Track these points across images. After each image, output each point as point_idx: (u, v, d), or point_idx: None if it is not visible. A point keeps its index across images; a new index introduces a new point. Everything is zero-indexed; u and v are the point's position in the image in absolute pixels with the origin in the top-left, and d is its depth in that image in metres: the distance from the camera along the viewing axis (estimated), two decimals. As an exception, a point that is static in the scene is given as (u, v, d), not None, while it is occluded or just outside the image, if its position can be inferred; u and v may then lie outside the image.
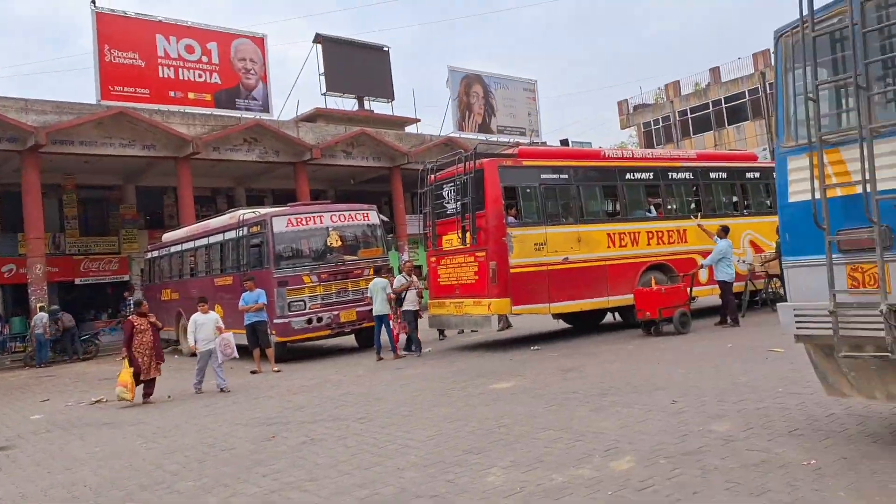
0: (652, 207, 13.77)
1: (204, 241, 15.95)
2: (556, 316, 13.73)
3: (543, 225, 11.96)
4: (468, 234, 11.81)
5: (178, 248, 17.27)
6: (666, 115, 43.29)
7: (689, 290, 12.17)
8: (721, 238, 12.48)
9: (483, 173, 11.75)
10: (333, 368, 11.71)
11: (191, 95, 25.91)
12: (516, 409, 6.85)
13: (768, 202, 15.24)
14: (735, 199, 14.83)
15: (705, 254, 13.10)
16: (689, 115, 41.53)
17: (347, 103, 35.13)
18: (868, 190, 4.15)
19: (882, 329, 4.17)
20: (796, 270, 4.77)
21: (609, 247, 12.61)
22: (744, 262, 13.92)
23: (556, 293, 11.87)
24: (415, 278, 12.42)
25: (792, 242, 4.82)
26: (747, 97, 38.21)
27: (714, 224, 13.14)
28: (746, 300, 13.73)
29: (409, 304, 12.21)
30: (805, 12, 4.41)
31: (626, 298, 12.56)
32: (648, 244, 13.10)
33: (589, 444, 5.34)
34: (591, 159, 13.09)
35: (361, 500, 4.61)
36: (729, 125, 39.11)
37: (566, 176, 12.45)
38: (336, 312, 13.27)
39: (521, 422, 6.30)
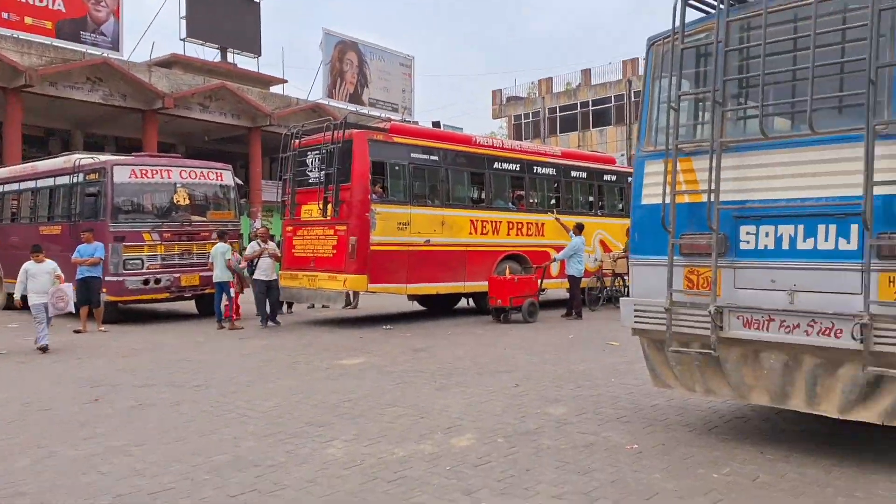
0: (514, 199, 14.31)
1: (31, 185, 14.62)
2: (412, 297, 13.95)
3: (409, 205, 12.08)
4: (330, 206, 11.70)
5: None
6: (537, 110, 44.99)
7: (540, 281, 12.80)
8: (576, 235, 13.24)
9: (352, 145, 11.67)
10: (171, 334, 11.22)
11: (28, 20, 23.50)
12: (363, 385, 6.96)
13: (620, 205, 16.33)
14: (591, 198, 15.75)
15: (559, 248, 13.85)
16: (559, 114, 43.44)
17: (209, 53, 33.42)
18: (712, 199, 4.60)
19: (708, 328, 4.67)
20: (640, 268, 5.21)
21: (471, 233, 12.96)
22: (597, 259, 14.85)
23: (415, 274, 12.06)
24: (271, 245, 11.98)
25: (639, 241, 5.25)
26: (613, 102, 40.59)
27: (570, 220, 13.91)
28: (597, 296, 14.68)
29: (261, 272, 11.83)
30: (677, 24, 4.80)
31: (482, 285, 12.99)
32: (508, 234, 13.62)
33: (432, 420, 5.54)
34: (462, 144, 13.37)
35: (194, 466, 4.51)
36: (594, 128, 41.38)
37: (436, 158, 12.64)
38: (177, 275, 12.70)
39: (367, 397, 6.40)
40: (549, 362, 8.17)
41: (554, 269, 13.40)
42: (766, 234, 4.52)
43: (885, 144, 3.92)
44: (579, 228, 13.33)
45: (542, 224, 14.19)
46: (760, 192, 4.55)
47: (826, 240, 4.22)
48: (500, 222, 13.49)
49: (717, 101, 4.64)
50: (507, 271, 12.74)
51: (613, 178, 16.11)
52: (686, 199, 4.94)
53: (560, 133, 43.29)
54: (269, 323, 11.85)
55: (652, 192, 5.17)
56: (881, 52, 3.95)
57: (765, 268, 4.51)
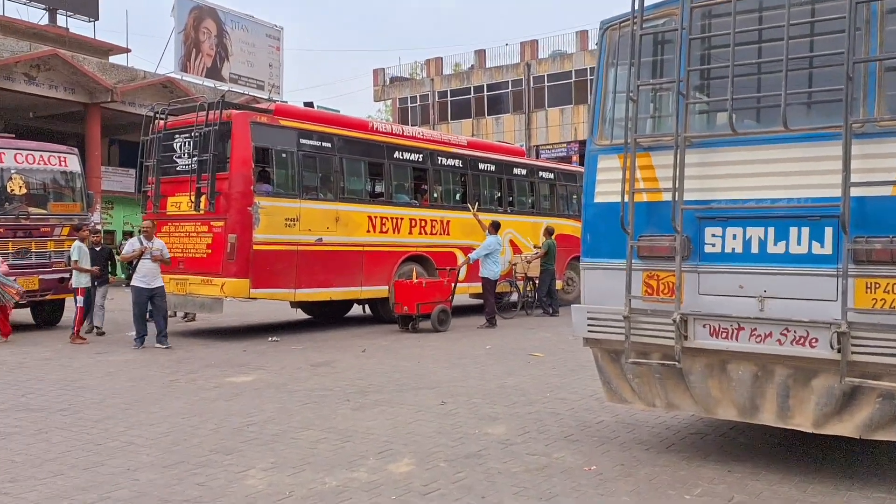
0: (417, 194, 14.38)
1: None
2: (296, 305, 13.69)
3: (298, 198, 11.87)
4: (204, 199, 11.30)
5: None
6: (425, 93, 45.30)
7: (452, 285, 12.97)
8: (491, 233, 13.44)
9: (231, 127, 11.32)
10: (5, 350, 10.38)
11: None
12: (265, 406, 6.76)
13: (531, 201, 16.78)
14: (500, 194, 16.10)
15: (467, 249, 14.03)
16: (450, 98, 43.94)
17: (34, 14, 31.28)
18: (675, 198, 4.80)
19: (671, 338, 4.86)
20: (594, 273, 5.35)
21: (369, 231, 12.92)
22: (514, 263, 15.20)
23: (305, 278, 11.87)
24: (157, 243, 10.58)
25: (592, 243, 5.39)
26: (510, 88, 41.54)
27: (486, 218, 14.09)
28: (509, 302, 15.03)
29: (140, 278, 10.38)
30: (636, 7, 4.96)
31: (381, 290, 12.99)
32: (410, 233, 13.67)
33: (359, 444, 5.46)
34: (359, 130, 13.28)
35: (87, 509, 4.20)
36: (489, 115, 42.20)
37: (329, 145, 12.49)
38: (11, 278, 11.77)
39: (274, 420, 6.23)
40: (474, 376, 8.27)
41: (461, 271, 13.55)
42: (734, 237, 4.76)
43: (862, 143, 4.23)
44: (495, 227, 13.56)
45: (448, 222, 14.35)
46: (727, 192, 4.78)
47: (799, 243, 4.49)
48: (402, 219, 13.52)
49: (681, 93, 4.83)
50: (414, 274, 12.76)
51: (524, 171, 16.52)
52: (645, 197, 5.12)
53: (452, 120, 43.84)
54: (156, 344, 10.41)
55: (606, 190, 5.32)
56: (858, 46, 4.26)
57: (732, 272, 4.75)
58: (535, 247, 15.88)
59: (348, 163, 12.92)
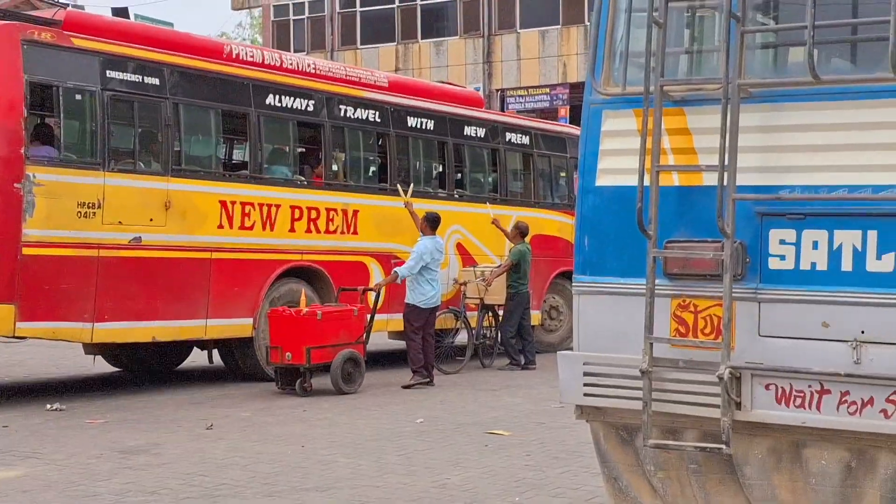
0: (304, 165, 14.45)
1: None
2: (94, 350, 13.59)
3: (101, 169, 11.86)
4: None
5: None
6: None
7: (367, 318, 13.09)
8: (425, 233, 13.59)
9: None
10: None
11: None
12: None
13: (492, 182, 16.99)
14: (441, 169, 16.31)
15: (388, 256, 14.13)
16: (359, 8, 44.08)
17: None
18: (723, 182, 4.98)
19: (715, 406, 5.04)
20: (594, 300, 5.52)
21: (221, 226, 12.97)
22: (464, 282, 15.38)
23: (111, 304, 11.87)
24: None
25: (591, 252, 5.56)
26: (459, -4, 41.82)
27: (421, 210, 14.19)
28: (450, 346, 15.36)
29: None
30: None
31: (240, 325, 13.09)
32: (292, 230, 13.77)
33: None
34: (207, 58, 13.25)
35: None
36: (424, 38, 42.50)
37: (156, 81, 12.49)
38: None
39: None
40: (396, 471, 8.36)
41: (373, 295, 13.64)
42: (815, 245, 4.97)
43: None
44: (432, 223, 13.67)
45: (356, 212, 14.52)
46: (806, 174, 4.99)
47: (917, 256, 4.72)
48: (279, 207, 13.63)
49: (734, 15, 5.02)
50: (302, 298, 12.81)
51: (482, 133, 16.73)
52: (675, 180, 5.31)
53: (362, 44, 44.17)
54: None
55: (614, 166, 5.49)
56: None
57: (812, 301, 4.95)
58: (498, 256, 16.08)
59: (188, 112, 12.94)
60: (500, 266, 15.55)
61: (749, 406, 5.04)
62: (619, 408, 5.38)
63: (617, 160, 5.47)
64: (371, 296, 13.49)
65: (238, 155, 14.49)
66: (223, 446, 9.35)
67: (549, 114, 37.25)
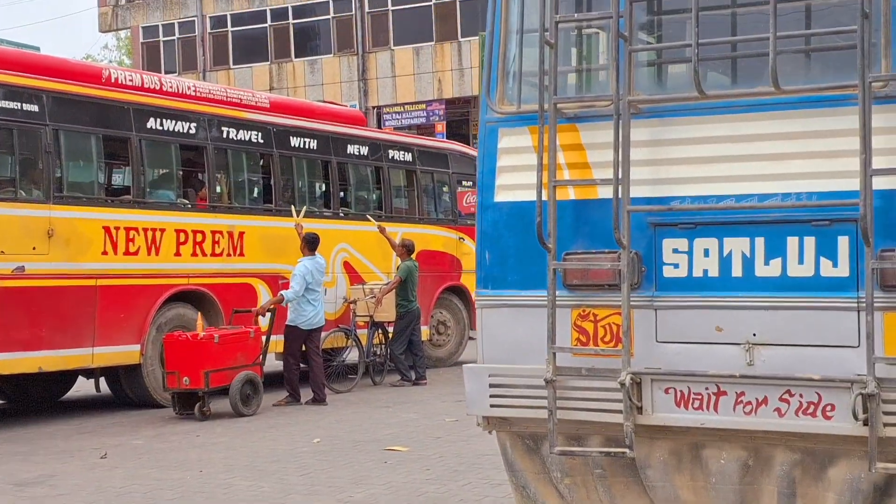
0: (187, 188, 14.40)
1: None
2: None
3: (-20, 198, 11.67)
4: None
5: None
6: (188, 19, 44.94)
7: (263, 339, 13.17)
8: (304, 254, 13.65)
9: None
10: None
11: None
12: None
13: (375, 198, 17.12)
14: (325, 187, 16.35)
15: (275, 277, 14.14)
16: (231, 29, 43.86)
17: None
18: (618, 194, 5.15)
19: (618, 411, 5.19)
20: (496, 312, 5.64)
21: (106, 253, 12.88)
22: (353, 300, 15.43)
23: (-2, 335, 11.64)
24: None
25: (493, 267, 5.68)
26: (332, 13, 41.92)
27: (305, 228, 14.23)
28: (342, 365, 15.40)
29: None
30: None
31: (128, 352, 13.05)
32: (178, 254, 13.71)
33: None
34: (87, 83, 13.13)
35: None
36: (298, 57, 42.40)
37: (34, 108, 12.33)
38: None
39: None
40: (299, 490, 8.43)
41: (264, 320, 13.61)
42: (706, 253, 5.16)
43: (886, 110, 4.72)
44: (310, 242, 13.74)
45: (242, 234, 14.47)
46: (694, 185, 5.18)
47: (801, 261, 4.93)
48: (164, 231, 13.57)
49: (622, 35, 5.20)
50: (199, 322, 12.76)
51: (365, 150, 16.87)
52: (571, 194, 5.47)
53: (235, 65, 44.00)
54: None
55: (512, 182, 5.63)
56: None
57: (705, 307, 5.14)
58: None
59: (69, 138, 12.84)
60: (388, 283, 15.61)
61: (650, 410, 5.21)
62: (524, 417, 5.51)
63: (514, 176, 5.60)
64: (262, 318, 13.51)
65: (120, 180, 14.30)
66: (120, 475, 9.28)
67: (426, 130, 37.55)
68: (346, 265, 16.13)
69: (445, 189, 18.64)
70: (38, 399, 14.42)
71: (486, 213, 5.72)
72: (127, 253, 13.10)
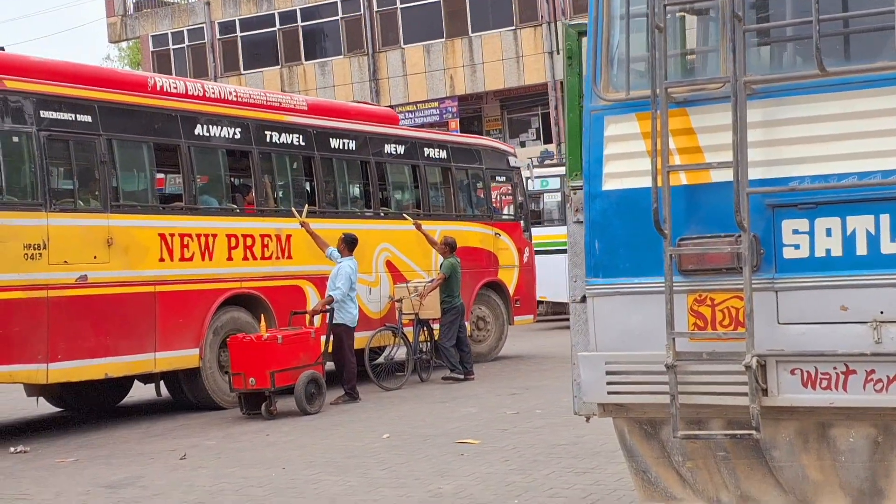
0: (235, 193, 14.37)
1: None
2: (38, 390, 13.32)
3: (43, 210, 11.64)
4: None
5: None
6: (197, 26, 44.86)
7: (325, 339, 13.15)
8: (343, 254, 13.61)
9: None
10: None
11: None
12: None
13: (413, 195, 17.10)
14: (364, 187, 16.34)
15: (322, 279, 14.05)
16: (240, 34, 43.78)
17: None
18: (737, 177, 5.05)
19: (742, 394, 5.10)
20: (609, 301, 5.56)
21: (163, 259, 12.82)
22: (399, 298, 15.35)
23: (63, 343, 11.67)
24: None
25: (603, 255, 5.60)
26: (340, 14, 41.77)
27: (337, 229, 14.22)
28: (390, 362, 15.31)
29: None
30: None
31: (187, 356, 12.99)
32: (230, 258, 13.62)
33: None
34: (135, 92, 13.07)
35: None
36: (308, 59, 42.30)
37: (88, 118, 12.27)
38: None
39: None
40: (386, 483, 8.41)
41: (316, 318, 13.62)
42: (828, 232, 5.07)
43: None
44: (350, 243, 13.72)
45: (289, 237, 14.40)
46: (815, 164, 5.09)
47: (933, 236, 4.85)
48: (215, 236, 13.49)
49: (735, 15, 5.10)
50: (262, 323, 12.72)
51: (402, 149, 16.79)
52: (683, 179, 5.37)
53: (245, 70, 43.95)
54: None
55: (620, 170, 5.56)
56: None
57: (830, 287, 5.06)
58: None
59: (122, 148, 12.78)
60: (433, 281, 15.51)
61: (776, 391, 5.13)
62: (643, 403, 5.44)
63: (622, 164, 5.54)
64: (315, 318, 13.55)
65: (172, 187, 14.25)
66: (206, 474, 9.27)
67: (440, 127, 37.41)
68: (389, 264, 16.01)
69: (480, 185, 18.52)
70: (96, 406, 14.29)
71: (594, 203, 5.65)
72: (182, 259, 13.05)
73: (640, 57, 5.53)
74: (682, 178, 5.36)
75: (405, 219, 16.24)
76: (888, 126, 4.93)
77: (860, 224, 5.00)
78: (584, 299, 5.96)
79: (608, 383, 5.48)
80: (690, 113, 5.36)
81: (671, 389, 5.22)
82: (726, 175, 5.12)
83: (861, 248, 5.00)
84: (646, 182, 5.29)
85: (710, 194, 5.29)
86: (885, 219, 4.94)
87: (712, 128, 5.26)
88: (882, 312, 4.94)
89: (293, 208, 14.52)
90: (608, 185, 5.58)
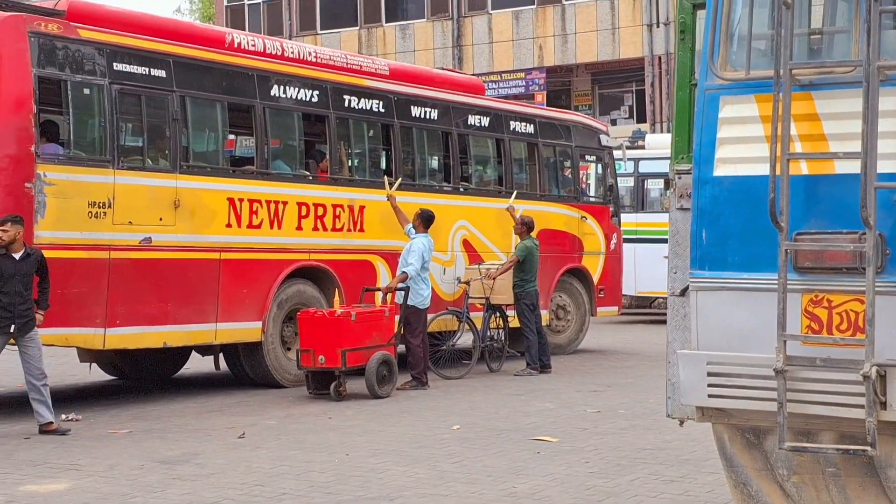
0: (309, 159, 14.44)
1: None
2: (92, 356, 13.51)
3: (111, 167, 11.81)
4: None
5: None
6: (280, -16, 44.99)
7: (399, 319, 13.19)
8: (418, 230, 13.62)
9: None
10: None
11: None
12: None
13: (498, 173, 17.04)
14: (445, 160, 16.36)
15: (394, 255, 14.09)
16: (319, -8, 43.73)
17: None
18: (865, 168, 4.96)
19: (859, 406, 5.01)
20: (715, 296, 5.50)
21: (230, 225, 12.93)
22: (467, 280, 15.37)
23: (122, 308, 11.84)
24: None
25: (711, 246, 5.54)
26: (428, -30, 41.62)
27: (410, 203, 14.26)
28: (453, 349, 15.24)
29: None
30: None
31: (249, 329, 13.10)
32: (299, 228, 13.71)
33: None
34: (210, 48, 13.15)
35: None
36: (388, 22, 42.28)
37: (162, 73, 12.38)
38: None
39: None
40: (457, 478, 8.41)
41: (399, 298, 13.57)
42: (961, 235, 4.98)
43: None
44: (426, 219, 13.70)
45: (363, 208, 14.47)
46: (951, 160, 4.99)
47: None
48: (286, 204, 13.59)
49: (873, -7, 5.01)
50: (336, 301, 12.79)
51: (486, 122, 16.76)
52: (803, 169, 5.30)
53: (322, 30, 44.04)
54: None
55: (735, 155, 5.50)
56: None
57: (962, 293, 4.96)
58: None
59: (195, 106, 12.89)
60: (504, 263, 15.46)
61: (894, 404, 5.03)
62: (747, 409, 5.37)
63: (737, 148, 5.49)
64: (387, 296, 13.54)
65: (244, 151, 14.35)
66: (265, 455, 9.34)
67: (526, 100, 37.14)
68: (466, 243, 16.01)
69: (568, 164, 18.45)
70: (150, 376, 14.49)
71: (705, 189, 5.59)
72: (250, 226, 13.13)
73: (763, 34, 5.46)
74: (803, 168, 5.29)
75: (492, 197, 16.30)
76: None
77: None
78: (684, 292, 5.95)
79: (710, 385, 5.40)
80: (816, 97, 5.28)
81: (779, 396, 5.15)
82: (853, 167, 5.02)
83: None
84: (763, 169, 5.22)
85: (833, 186, 5.21)
86: None
87: (839, 115, 5.19)
88: None
89: (385, 178, 14.58)
90: (720, 170, 5.52)
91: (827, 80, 5.26)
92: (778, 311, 5.16)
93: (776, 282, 5.16)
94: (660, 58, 36.70)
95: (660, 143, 22.71)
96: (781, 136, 5.17)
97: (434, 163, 16.61)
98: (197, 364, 14.81)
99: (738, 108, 5.49)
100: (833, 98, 5.24)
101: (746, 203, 5.38)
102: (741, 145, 5.46)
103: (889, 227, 5.07)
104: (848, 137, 5.08)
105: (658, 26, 36.32)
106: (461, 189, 16.52)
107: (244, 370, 13.72)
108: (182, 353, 14.39)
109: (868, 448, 5.02)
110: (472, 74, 38.94)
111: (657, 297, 23.57)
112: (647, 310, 25.16)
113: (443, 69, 20.09)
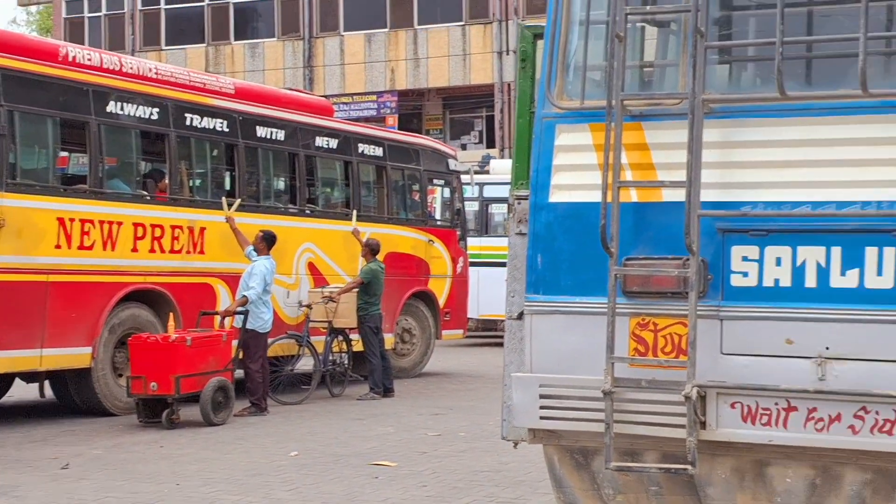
0: (146, 179, 14.38)
1: None
2: None
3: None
4: None
5: None
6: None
7: (235, 344, 13.19)
8: (260, 252, 13.74)
9: None
10: None
11: None
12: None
13: (346, 195, 17.26)
14: (292, 181, 16.45)
15: (235, 278, 14.12)
16: (164, 7, 43.45)
17: None
18: (689, 197, 5.29)
19: (679, 426, 5.33)
20: (548, 320, 5.74)
21: (59, 246, 12.76)
22: (309, 304, 15.43)
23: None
24: None
25: (545, 270, 5.79)
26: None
27: (254, 225, 14.32)
28: (291, 373, 15.31)
29: None
30: None
31: (78, 355, 12.93)
32: (135, 249, 13.60)
33: None
34: (43, 60, 12.99)
35: None
36: (237, 39, 42.17)
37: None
38: None
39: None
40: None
41: (238, 322, 13.58)
42: (778, 261, 5.31)
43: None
44: (268, 240, 13.80)
45: (203, 230, 14.43)
46: (769, 190, 5.33)
47: (880, 272, 5.08)
48: (120, 225, 13.44)
49: (699, 31, 5.36)
50: (171, 323, 12.73)
51: (334, 143, 16.93)
52: (633, 196, 5.61)
53: (167, 46, 43.50)
54: None
55: (569, 182, 5.76)
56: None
57: (775, 318, 5.29)
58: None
59: (24, 121, 12.72)
60: (349, 285, 15.58)
61: (714, 425, 5.35)
62: (576, 430, 5.61)
63: (571, 176, 5.73)
64: (226, 320, 13.56)
65: (76, 168, 14.22)
66: (89, 487, 9.21)
67: (377, 123, 37.40)
68: (311, 266, 16.13)
69: (416, 187, 18.72)
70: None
71: (540, 214, 5.82)
72: (81, 247, 12.96)
73: (598, 65, 5.75)
74: (633, 195, 5.58)
75: (338, 219, 16.50)
76: (845, 156, 5.20)
77: (811, 255, 5.23)
78: (521, 316, 6.19)
79: (541, 407, 5.63)
80: (645, 128, 5.59)
81: (607, 417, 5.41)
82: (678, 195, 5.34)
83: (810, 281, 5.24)
84: (595, 196, 5.47)
85: (660, 214, 5.51)
86: (836, 251, 5.18)
87: (667, 145, 5.49)
88: (827, 348, 5.17)
89: (223, 199, 14.58)
90: (555, 196, 5.77)
91: (656, 111, 5.59)
92: (607, 333, 5.45)
93: (606, 305, 5.45)
94: (509, 85, 37.25)
95: (504, 168, 23.10)
96: (613, 164, 5.47)
97: (280, 184, 16.68)
98: (21, 391, 14.52)
99: (573, 136, 5.75)
100: (661, 129, 5.54)
101: (579, 229, 5.63)
102: (575, 172, 5.70)
103: (711, 253, 5.38)
104: (674, 167, 5.38)
105: (507, 54, 36.97)
106: (307, 211, 16.62)
107: (72, 397, 13.53)
108: (4, 381, 14.05)
109: (689, 467, 5.30)
110: (324, 96, 39.08)
111: (501, 321, 23.91)
112: (492, 332, 25.51)
113: (291, 89, 20.26)
